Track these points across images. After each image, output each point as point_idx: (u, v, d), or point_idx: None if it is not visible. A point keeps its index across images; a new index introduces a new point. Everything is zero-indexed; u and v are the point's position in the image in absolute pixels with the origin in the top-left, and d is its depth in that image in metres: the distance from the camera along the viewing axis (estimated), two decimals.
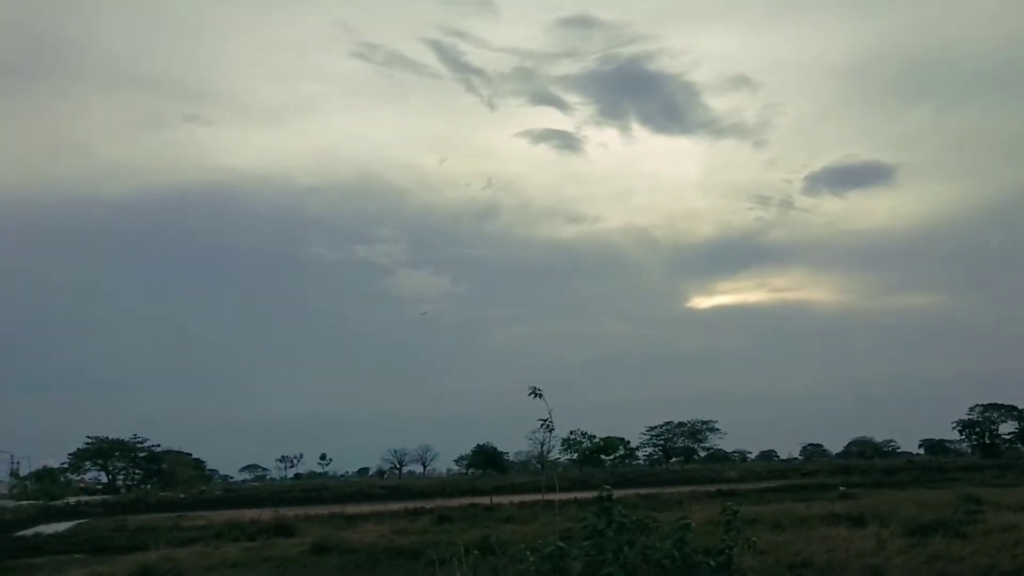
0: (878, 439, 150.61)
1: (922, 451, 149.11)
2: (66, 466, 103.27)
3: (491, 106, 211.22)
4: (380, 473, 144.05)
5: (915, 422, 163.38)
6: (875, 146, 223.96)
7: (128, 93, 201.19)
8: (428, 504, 49.47)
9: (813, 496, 43.96)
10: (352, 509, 47.18)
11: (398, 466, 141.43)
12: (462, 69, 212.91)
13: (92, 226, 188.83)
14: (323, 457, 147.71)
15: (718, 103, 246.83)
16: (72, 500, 73.86)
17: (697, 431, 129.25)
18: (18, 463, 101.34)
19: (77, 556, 29.61)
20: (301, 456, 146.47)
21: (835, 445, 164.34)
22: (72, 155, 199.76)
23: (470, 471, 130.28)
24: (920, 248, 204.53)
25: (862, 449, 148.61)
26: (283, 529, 33.31)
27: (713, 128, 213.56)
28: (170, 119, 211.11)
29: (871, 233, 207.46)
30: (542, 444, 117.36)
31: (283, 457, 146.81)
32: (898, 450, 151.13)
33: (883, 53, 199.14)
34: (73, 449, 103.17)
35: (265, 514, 42.35)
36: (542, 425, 9.76)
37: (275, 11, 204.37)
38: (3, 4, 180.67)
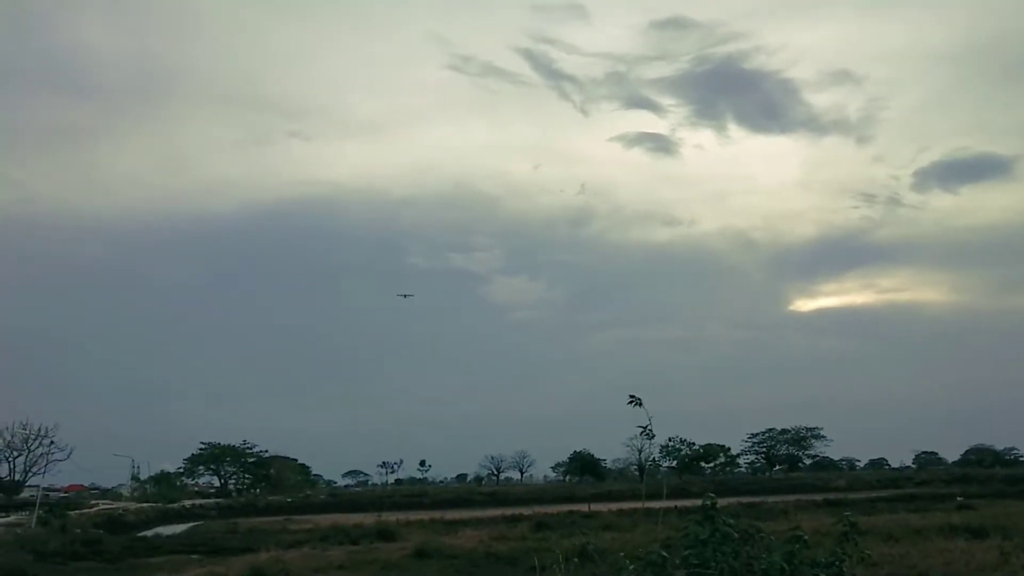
0: (999, 447, 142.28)
1: None
2: (182, 470, 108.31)
3: (584, 112, 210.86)
4: (478, 479, 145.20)
5: None
6: (989, 137, 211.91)
7: (235, 112, 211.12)
8: (526, 511, 49.58)
9: (928, 507, 41.89)
10: (451, 515, 47.77)
11: (496, 472, 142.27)
12: (554, 76, 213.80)
13: (202, 240, 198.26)
14: (422, 463, 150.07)
15: (819, 99, 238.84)
16: (188, 503, 77.40)
17: (801, 438, 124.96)
18: (138, 467, 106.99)
19: (193, 556, 31.00)
20: (401, 462, 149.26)
21: (951, 453, 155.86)
22: (183, 172, 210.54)
23: (567, 478, 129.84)
24: None
25: (981, 457, 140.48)
26: (385, 534, 34.02)
27: (814, 125, 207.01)
28: (274, 135, 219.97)
29: (986, 229, 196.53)
30: (640, 451, 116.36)
31: (384, 463, 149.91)
32: (1021, 458, 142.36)
33: (996, 36, 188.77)
34: (188, 454, 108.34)
35: (368, 519, 43.35)
36: (642, 432, 9.60)
37: (372, 28, 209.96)
38: (124, 32, 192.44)
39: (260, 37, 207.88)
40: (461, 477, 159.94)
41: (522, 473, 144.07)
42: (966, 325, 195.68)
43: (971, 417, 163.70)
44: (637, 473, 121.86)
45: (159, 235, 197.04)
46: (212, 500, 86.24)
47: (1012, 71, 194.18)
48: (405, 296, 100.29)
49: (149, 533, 46.52)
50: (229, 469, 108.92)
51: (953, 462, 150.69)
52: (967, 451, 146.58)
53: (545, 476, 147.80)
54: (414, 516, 48.13)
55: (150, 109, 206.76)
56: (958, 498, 47.07)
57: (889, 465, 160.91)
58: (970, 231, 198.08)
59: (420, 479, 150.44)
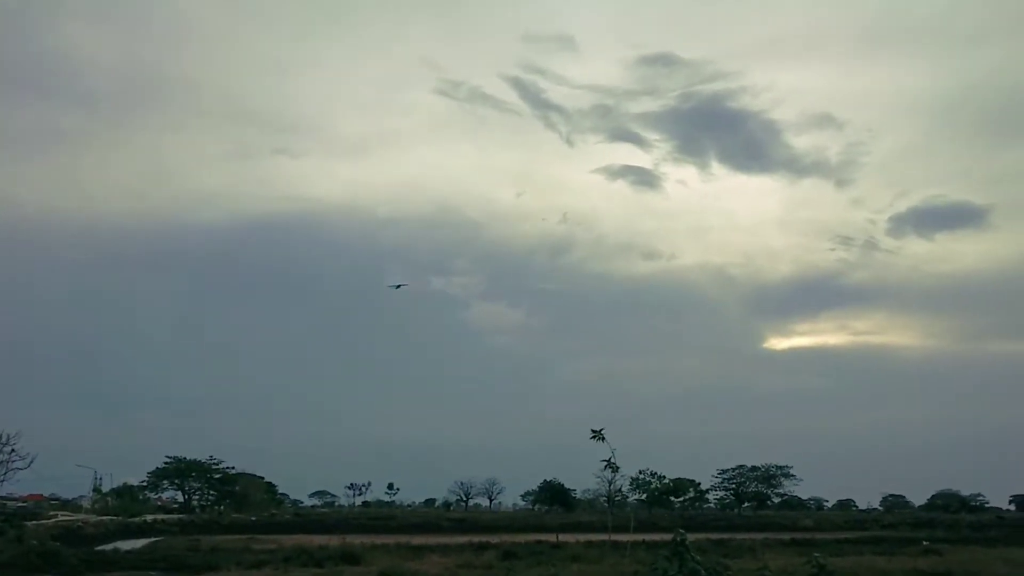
0: (965, 492, 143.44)
1: (1012, 507, 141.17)
2: (145, 484, 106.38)
3: (569, 142, 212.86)
4: (446, 505, 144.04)
5: (1006, 476, 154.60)
6: (965, 186, 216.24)
7: (222, 126, 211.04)
8: (494, 539, 49.17)
9: (895, 550, 42.05)
10: (418, 540, 47.24)
11: (464, 498, 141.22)
12: (541, 106, 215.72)
13: (181, 252, 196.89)
14: (391, 486, 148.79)
15: (800, 141, 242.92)
16: (149, 518, 75.97)
17: (771, 476, 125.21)
18: (100, 479, 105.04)
19: (152, 573, 30.38)
20: (369, 484, 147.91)
21: (918, 497, 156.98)
22: (168, 184, 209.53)
23: (537, 507, 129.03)
24: (1012, 293, 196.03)
25: (947, 502, 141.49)
26: (350, 557, 33.57)
27: (795, 167, 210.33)
28: (261, 150, 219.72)
29: (959, 276, 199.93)
30: (609, 483, 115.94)
31: (352, 484, 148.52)
32: (986, 505, 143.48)
33: (974, 89, 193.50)
34: (152, 468, 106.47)
35: (333, 540, 42.78)
36: (605, 466, 9.64)
37: (364, 48, 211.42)
38: (114, 39, 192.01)
39: (251, 51, 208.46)
40: (429, 502, 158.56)
41: (491, 500, 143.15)
42: (937, 370, 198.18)
43: (939, 462, 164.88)
44: (607, 505, 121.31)
45: (139, 245, 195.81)
46: (175, 516, 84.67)
47: (990, 122, 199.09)
48: (398, 287, 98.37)
49: (108, 547, 45.54)
50: (194, 485, 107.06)
51: (920, 506, 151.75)
52: (933, 496, 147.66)
53: (514, 504, 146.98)
54: (380, 540, 47.54)
55: (138, 118, 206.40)
56: (924, 542, 47.30)
57: (856, 506, 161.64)
58: (944, 278, 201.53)
59: (388, 502, 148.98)
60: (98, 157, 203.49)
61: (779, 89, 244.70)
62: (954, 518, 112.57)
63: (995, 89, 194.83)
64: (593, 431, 8.28)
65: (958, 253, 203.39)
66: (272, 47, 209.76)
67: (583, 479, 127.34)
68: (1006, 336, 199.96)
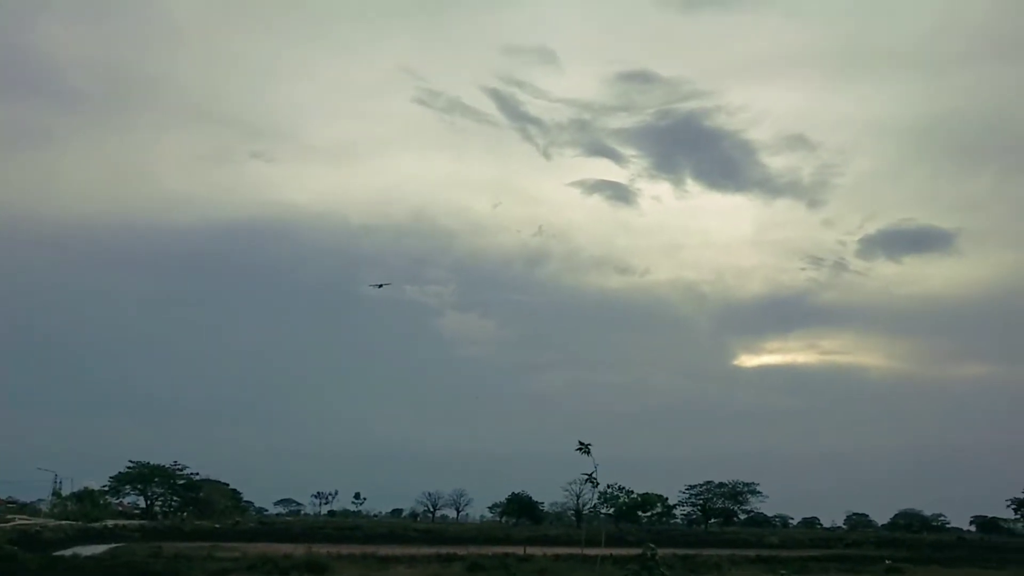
0: (927, 512, 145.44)
1: (973, 528, 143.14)
2: (107, 488, 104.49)
3: (546, 155, 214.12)
4: (413, 515, 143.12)
5: (967, 497, 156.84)
6: (934, 211, 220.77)
7: (200, 128, 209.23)
8: (461, 551, 48.88)
9: (858, 568, 42.47)
10: (385, 550, 46.83)
11: (432, 509, 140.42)
12: (520, 118, 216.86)
13: (154, 253, 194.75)
14: (357, 496, 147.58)
15: (775, 162, 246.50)
16: (110, 523, 74.63)
17: (738, 493, 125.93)
18: (60, 483, 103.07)
19: None
20: (336, 493, 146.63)
21: (882, 516, 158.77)
22: (142, 184, 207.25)
23: (504, 519, 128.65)
24: (978, 317, 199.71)
25: (910, 522, 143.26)
26: (315, 566, 33.21)
27: (768, 186, 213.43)
28: (237, 154, 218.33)
29: (927, 299, 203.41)
30: (579, 496, 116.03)
31: (318, 493, 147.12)
32: (948, 525, 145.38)
33: (946, 116, 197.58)
34: (115, 472, 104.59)
35: (298, 550, 42.31)
36: (587, 479, 9.62)
37: (345, 55, 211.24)
38: (89, 38, 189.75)
39: (231, 55, 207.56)
40: (396, 512, 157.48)
41: (458, 511, 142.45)
42: (903, 391, 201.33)
43: (903, 482, 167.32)
44: (574, 518, 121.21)
45: (111, 245, 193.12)
46: (136, 521, 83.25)
47: (960, 148, 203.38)
48: (380, 286, 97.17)
49: (67, 552, 44.59)
50: (157, 490, 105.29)
51: (883, 525, 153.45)
52: (897, 515, 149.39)
53: (482, 516, 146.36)
54: (346, 550, 47.08)
55: (112, 117, 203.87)
56: (887, 561, 47.75)
57: (821, 524, 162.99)
58: (911, 300, 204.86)
59: (354, 512, 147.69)
60: (73, 156, 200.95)
61: (754, 109, 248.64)
62: (916, 537, 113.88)
63: (966, 116, 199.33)
64: (580, 443, 8.31)
65: (925, 276, 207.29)
66: (253, 52, 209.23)
67: (551, 492, 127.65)
68: (970, 359, 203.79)
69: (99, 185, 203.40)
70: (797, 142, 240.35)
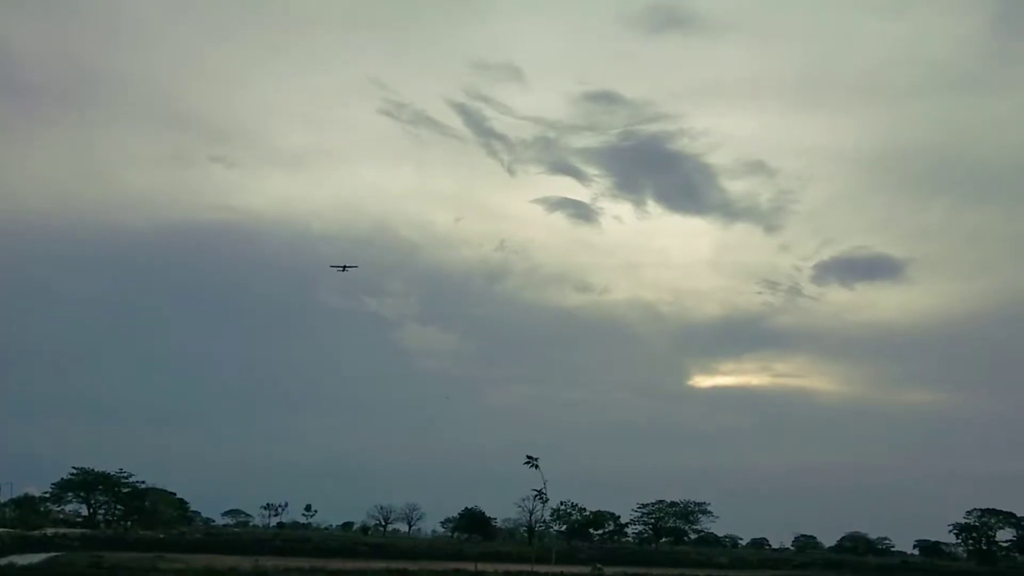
0: (872, 535, 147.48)
1: (917, 552, 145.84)
2: (48, 495, 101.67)
3: (510, 171, 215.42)
4: (364, 529, 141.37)
5: (911, 521, 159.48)
6: (887, 239, 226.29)
7: (160, 129, 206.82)
8: (412, 566, 48.60)
9: None
10: (335, 564, 46.40)
11: (383, 523, 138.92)
12: (485, 133, 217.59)
13: (107, 254, 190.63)
14: (308, 508, 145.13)
15: (734, 186, 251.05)
16: (50, 531, 72.73)
17: (689, 512, 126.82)
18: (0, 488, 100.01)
19: None
20: (286, 505, 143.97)
21: (828, 538, 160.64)
22: (98, 183, 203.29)
23: (456, 534, 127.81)
24: (926, 344, 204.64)
25: (855, 544, 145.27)
26: None
27: (727, 210, 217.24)
28: (197, 157, 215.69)
29: (877, 325, 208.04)
30: (531, 513, 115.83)
31: (268, 504, 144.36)
32: (892, 548, 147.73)
33: (901, 146, 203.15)
34: (57, 479, 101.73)
35: (245, 562, 41.67)
36: (536, 496, 9.67)
37: (311, 62, 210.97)
38: (48, 30, 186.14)
39: (194, 56, 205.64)
40: (347, 525, 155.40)
41: (410, 526, 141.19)
42: (852, 415, 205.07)
43: (850, 505, 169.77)
44: (527, 534, 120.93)
45: (61, 243, 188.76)
46: (78, 530, 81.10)
47: (914, 179, 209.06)
48: (343, 268, 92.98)
49: (3, 561, 43.34)
50: (100, 498, 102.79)
51: (829, 547, 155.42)
52: (843, 538, 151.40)
53: (434, 531, 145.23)
54: (295, 563, 46.49)
55: (71, 113, 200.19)
56: None
57: (770, 545, 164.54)
58: (862, 326, 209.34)
59: (304, 524, 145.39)
60: (26, 151, 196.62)
61: (716, 134, 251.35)
62: (862, 560, 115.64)
63: (922, 147, 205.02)
64: (528, 457, 8.30)
65: (876, 303, 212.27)
66: (220, 55, 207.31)
67: (504, 508, 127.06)
68: (918, 386, 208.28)
69: (52, 182, 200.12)
70: (756, 167, 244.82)
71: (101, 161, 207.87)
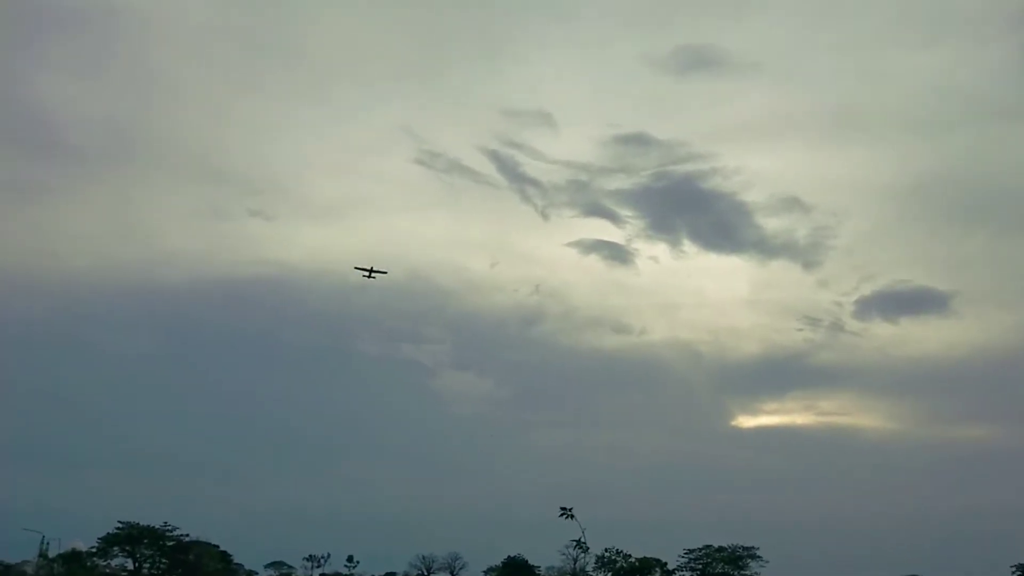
0: None
1: None
2: (95, 550, 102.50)
3: (544, 215, 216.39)
4: None
5: (969, 561, 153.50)
6: (929, 272, 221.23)
7: (199, 185, 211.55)
8: None
9: None
10: None
11: (426, 573, 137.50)
12: (518, 179, 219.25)
13: (148, 310, 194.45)
14: (350, 559, 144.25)
15: (770, 223, 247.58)
16: None
17: (738, 557, 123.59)
18: (48, 543, 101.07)
19: None
20: (328, 556, 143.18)
21: None
22: (136, 238, 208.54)
23: None
24: (976, 376, 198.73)
25: None
26: None
27: (764, 247, 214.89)
28: (234, 211, 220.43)
29: (924, 360, 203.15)
30: (575, 561, 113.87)
31: (310, 556, 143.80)
32: None
33: (939, 177, 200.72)
34: (104, 532, 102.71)
35: None
36: (575, 545, 9.54)
37: (344, 113, 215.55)
38: (89, 95, 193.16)
39: (230, 111, 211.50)
40: (390, 575, 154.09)
41: (453, 575, 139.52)
42: (902, 453, 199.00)
43: (905, 545, 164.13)
44: None
45: (103, 301, 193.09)
46: None
47: (954, 209, 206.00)
48: (370, 273, 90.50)
49: None
50: (145, 552, 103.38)
51: None
52: None
53: None
54: None
55: (110, 172, 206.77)
56: None
57: None
58: (907, 361, 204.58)
59: (347, 575, 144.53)
60: (65, 210, 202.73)
61: (749, 172, 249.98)
62: None
63: (959, 177, 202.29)
64: (562, 509, 8.17)
65: (922, 337, 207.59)
66: (254, 110, 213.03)
67: (548, 555, 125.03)
68: (971, 421, 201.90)
69: (93, 241, 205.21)
70: (792, 204, 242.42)
71: (139, 218, 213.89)
